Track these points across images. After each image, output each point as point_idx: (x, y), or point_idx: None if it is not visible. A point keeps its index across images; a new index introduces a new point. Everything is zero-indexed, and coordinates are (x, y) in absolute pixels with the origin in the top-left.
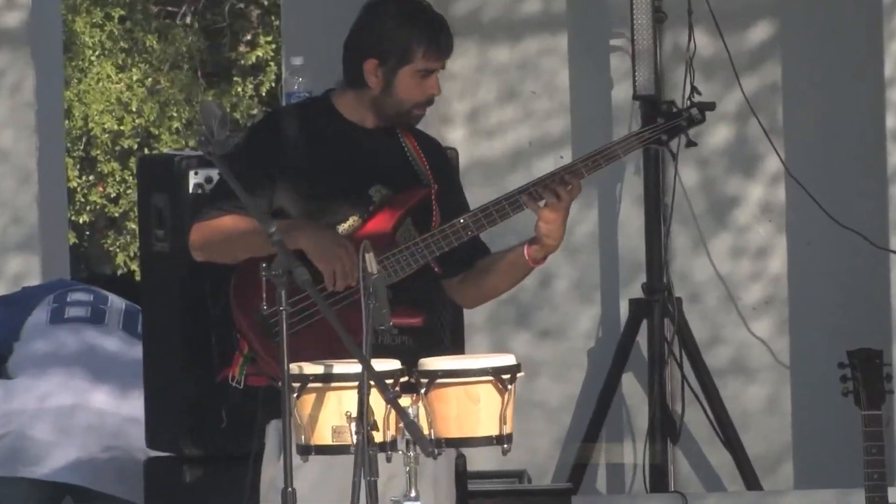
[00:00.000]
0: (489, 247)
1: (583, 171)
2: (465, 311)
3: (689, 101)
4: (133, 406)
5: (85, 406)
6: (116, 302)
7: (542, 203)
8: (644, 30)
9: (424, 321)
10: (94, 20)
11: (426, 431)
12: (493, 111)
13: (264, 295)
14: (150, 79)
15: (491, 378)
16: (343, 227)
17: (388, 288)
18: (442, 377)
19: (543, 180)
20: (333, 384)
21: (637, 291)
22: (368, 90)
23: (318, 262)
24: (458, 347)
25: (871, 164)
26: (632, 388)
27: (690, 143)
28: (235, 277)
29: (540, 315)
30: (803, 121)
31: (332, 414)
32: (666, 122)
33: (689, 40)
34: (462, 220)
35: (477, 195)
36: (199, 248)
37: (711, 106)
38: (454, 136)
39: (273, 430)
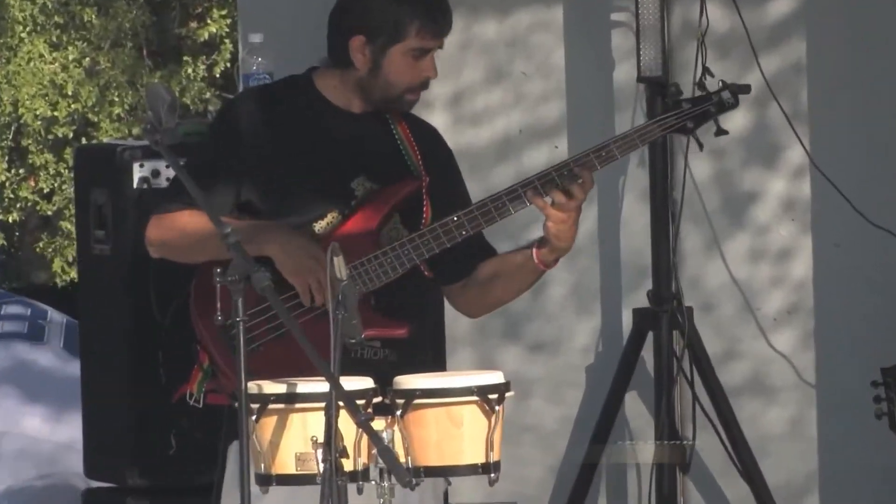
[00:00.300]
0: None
1: (595, 162)
2: (447, 322)
3: (720, 83)
4: (70, 430)
5: (14, 433)
6: (56, 317)
7: (548, 200)
8: (650, 3)
9: (410, 332)
10: None
11: (403, 459)
12: (478, 94)
13: (219, 304)
14: (88, 58)
15: (476, 398)
16: (320, 225)
17: (372, 294)
18: (420, 397)
19: (550, 173)
20: (297, 405)
21: (642, 300)
22: (354, 70)
23: (290, 276)
24: (439, 363)
25: None
26: (636, 410)
27: (721, 132)
28: (196, 280)
29: (532, 327)
30: (831, 105)
31: (296, 439)
32: (693, 107)
33: (701, 14)
34: (455, 219)
35: None
36: (156, 245)
37: (746, 89)
38: (435, 123)
39: (235, 454)
